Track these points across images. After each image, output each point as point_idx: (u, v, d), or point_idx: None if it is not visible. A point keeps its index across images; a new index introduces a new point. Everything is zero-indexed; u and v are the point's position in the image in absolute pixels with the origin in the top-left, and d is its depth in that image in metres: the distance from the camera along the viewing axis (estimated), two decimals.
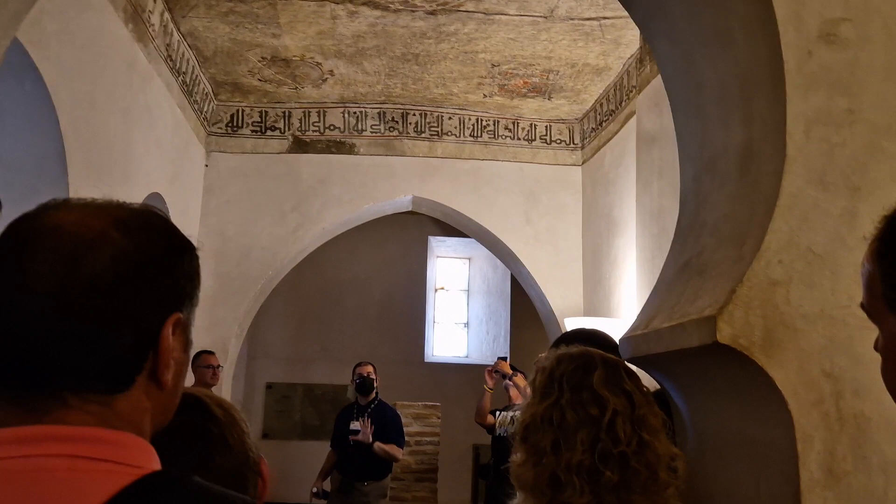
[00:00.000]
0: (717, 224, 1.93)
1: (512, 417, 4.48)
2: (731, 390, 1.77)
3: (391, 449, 5.21)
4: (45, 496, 0.60)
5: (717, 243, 1.88)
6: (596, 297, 5.77)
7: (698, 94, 2.15)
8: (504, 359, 5.42)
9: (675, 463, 1.32)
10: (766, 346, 1.58)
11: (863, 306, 0.87)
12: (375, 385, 5.39)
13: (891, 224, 0.83)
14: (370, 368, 5.41)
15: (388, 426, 5.26)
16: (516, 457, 1.33)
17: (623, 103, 5.35)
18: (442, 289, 9.47)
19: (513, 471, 1.32)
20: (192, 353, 0.80)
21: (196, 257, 0.75)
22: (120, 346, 0.66)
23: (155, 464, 0.67)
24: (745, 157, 1.88)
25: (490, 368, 5.25)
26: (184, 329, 0.72)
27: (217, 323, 5.60)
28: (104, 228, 0.67)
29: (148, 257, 0.68)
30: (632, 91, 5.17)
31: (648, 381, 1.55)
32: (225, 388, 5.42)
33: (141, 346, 0.67)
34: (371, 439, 5.10)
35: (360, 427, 5.14)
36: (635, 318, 2.15)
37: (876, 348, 0.87)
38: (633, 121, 5.15)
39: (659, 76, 4.66)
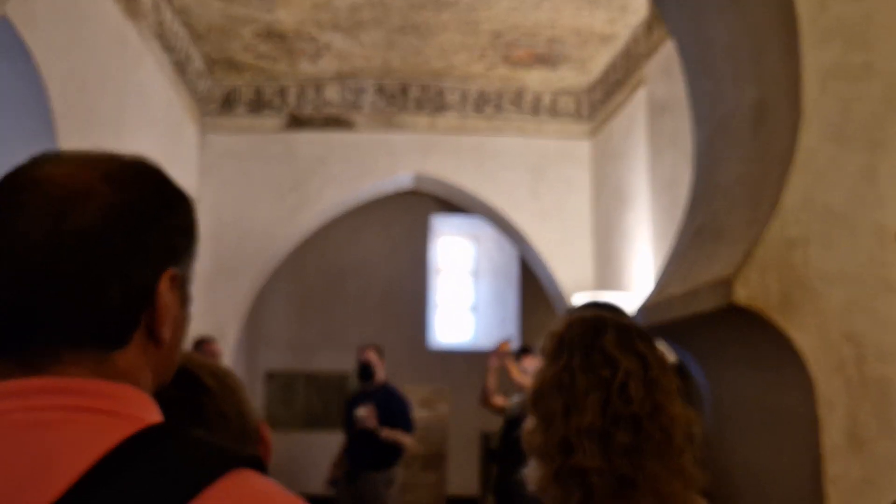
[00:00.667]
0: (731, 186, 1.88)
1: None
2: (749, 356, 1.73)
3: (398, 435, 5.10)
4: (45, 448, 0.59)
5: (731, 206, 1.83)
6: (607, 272, 5.71)
7: (708, 53, 2.09)
8: (508, 340, 5.40)
9: (692, 428, 1.26)
10: (784, 308, 1.54)
11: None
12: (374, 370, 5.27)
13: None
14: (370, 353, 5.29)
15: (395, 413, 5.15)
16: (528, 424, 1.29)
17: (631, 72, 5.24)
18: (443, 270, 9.37)
19: (524, 437, 1.28)
20: (191, 311, 0.76)
21: (192, 210, 0.73)
22: (112, 301, 0.64)
23: (156, 416, 0.66)
24: (758, 115, 1.82)
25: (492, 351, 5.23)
26: (181, 284, 0.71)
27: (215, 307, 5.52)
28: (92, 182, 0.66)
29: (138, 211, 0.67)
30: (640, 59, 5.07)
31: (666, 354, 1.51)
32: None
33: (135, 302, 0.66)
34: (376, 424, 5.00)
35: (365, 413, 5.05)
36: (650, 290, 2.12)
37: None
38: (642, 90, 5.06)
39: (669, 42, 4.59)
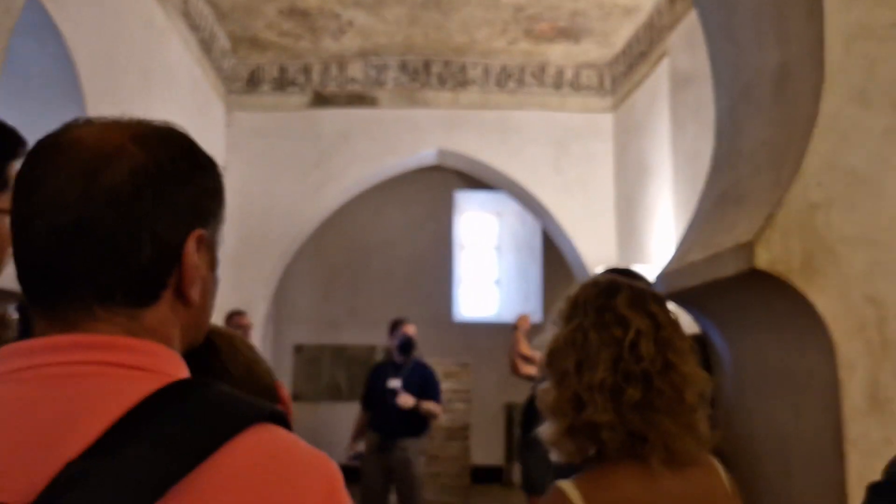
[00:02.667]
0: (754, 151, 1.87)
1: None
2: (770, 321, 1.73)
3: (433, 406, 5.17)
4: (78, 399, 0.61)
5: (754, 171, 1.82)
6: (629, 245, 5.70)
7: (731, 17, 2.06)
8: (528, 314, 5.42)
9: (705, 388, 1.27)
10: (806, 271, 1.54)
11: None
12: (416, 344, 5.33)
13: None
14: (413, 328, 5.34)
15: (429, 385, 5.23)
16: (543, 384, 1.31)
17: (655, 44, 5.18)
18: (470, 246, 9.42)
19: (539, 397, 1.30)
20: (219, 272, 0.78)
21: (219, 175, 0.75)
22: (141, 259, 0.66)
23: (183, 372, 0.68)
24: (780, 79, 1.80)
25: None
26: (209, 246, 0.72)
27: (243, 283, 5.61)
28: (122, 143, 0.67)
29: (166, 171, 0.68)
30: (663, 31, 5.01)
31: (688, 326, 1.51)
32: None
33: (163, 261, 0.68)
34: (414, 403, 5.05)
35: (399, 391, 5.08)
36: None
37: None
38: (665, 62, 5.00)
39: (691, 13, 4.53)
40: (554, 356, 1.29)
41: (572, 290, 1.39)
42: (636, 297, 1.29)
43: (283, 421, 0.66)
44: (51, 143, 0.68)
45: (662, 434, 1.20)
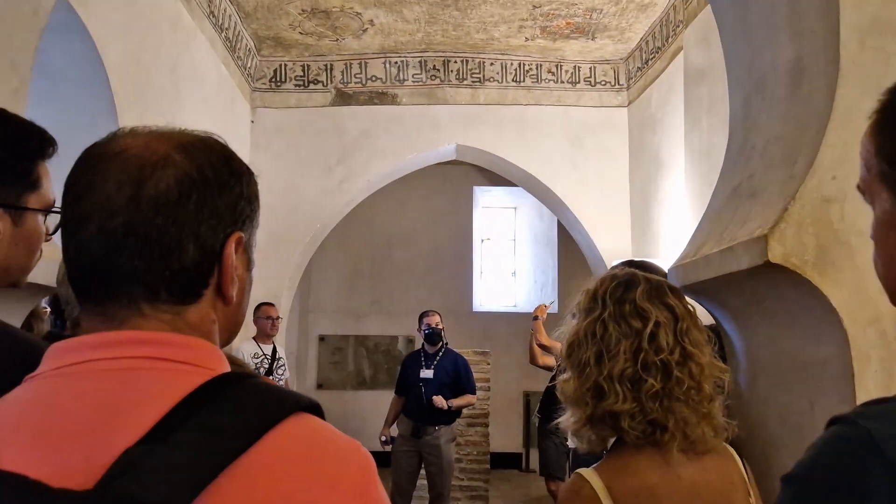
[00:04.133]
0: (768, 146, 1.88)
1: None
2: (784, 313, 1.74)
3: (466, 400, 5.37)
4: (131, 391, 0.65)
5: (768, 165, 1.83)
6: (645, 239, 5.71)
7: (745, 12, 2.07)
8: (547, 304, 5.47)
9: (722, 377, 1.31)
10: (820, 264, 1.55)
11: (859, 188, 0.80)
12: (443, 333, 5.47)
13: (893, 95, 0.75)
14: (437, 318, 5.49)
15: (461, 374, 5.40)
16: (563, 374, 1.35)
17: (670, 39, 5.19)
18: (488, 239, 9.49)
19: (559, 387, 1.34)
20: (254, 285, 0.84)
21: (254, 182, 0.79)
22: (186, 260, 0.70)
23: (224, 366, 0.72)
24: (795, 74, 1.81)
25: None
26: (246, 248, 0.77)
27: (269, 276, 5.73)
28: (168, 152, 0.71)
29: (208, 179, 0.72)
30: (678, 26, 5.01)
31: (703, 317, 1.52)
32: (279, 341, 5.57)
33: (205, 262, 0.72)
34: (447, 406, 5.22)
35: (439, 401, 5.22)
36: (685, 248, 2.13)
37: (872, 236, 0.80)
38: (680, 57, 5.00)
39: (706, 9, 4.53)
40: (573, 348, 1.32)
41: (590, 282, 1.42)
42: (654, 289, 1.33)
43: (318, 411, 0.71)
44: (99, 151, 0.73)
45: (681, 422, 1.24)
